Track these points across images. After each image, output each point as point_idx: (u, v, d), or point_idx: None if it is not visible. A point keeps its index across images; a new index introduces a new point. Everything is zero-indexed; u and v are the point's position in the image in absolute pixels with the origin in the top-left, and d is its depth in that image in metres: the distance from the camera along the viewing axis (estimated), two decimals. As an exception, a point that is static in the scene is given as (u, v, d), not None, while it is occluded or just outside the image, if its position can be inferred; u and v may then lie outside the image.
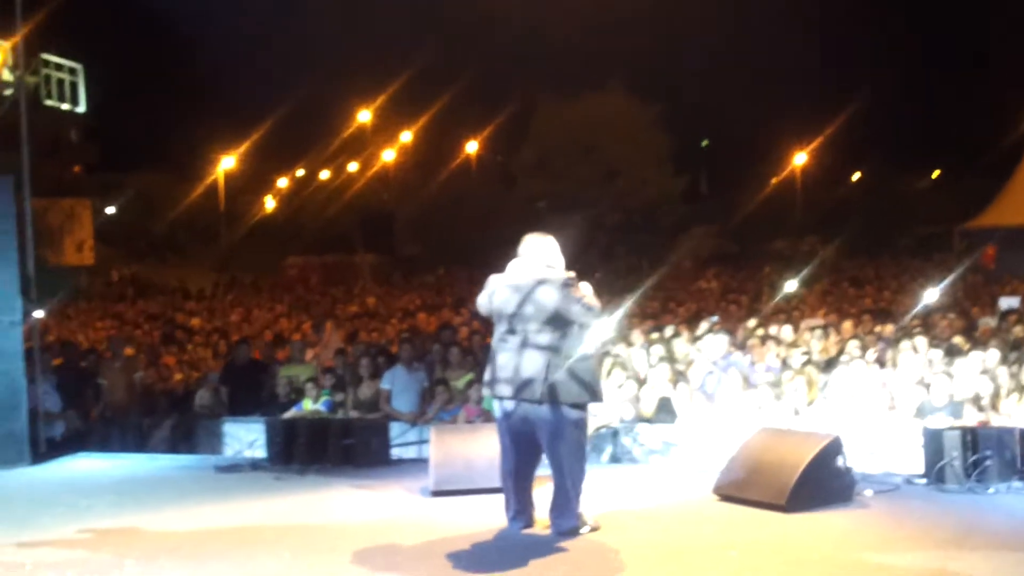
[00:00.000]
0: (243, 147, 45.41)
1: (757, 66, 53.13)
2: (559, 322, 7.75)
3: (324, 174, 47.54)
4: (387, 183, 46.88)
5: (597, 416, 11.00)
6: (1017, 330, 14.20)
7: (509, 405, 7.85)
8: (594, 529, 7.93)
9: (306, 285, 35.20)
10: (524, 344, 7.78)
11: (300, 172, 48.48)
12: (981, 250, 31.22)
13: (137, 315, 24.77)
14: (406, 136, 46.86)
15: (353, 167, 47.04)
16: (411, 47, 43.12)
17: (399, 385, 12.58)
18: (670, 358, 12.71)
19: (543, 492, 8.04)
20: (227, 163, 46.16)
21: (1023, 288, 22.62)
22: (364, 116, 46.14)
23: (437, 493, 9.31)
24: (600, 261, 29.97)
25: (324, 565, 7.31)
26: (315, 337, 17.37)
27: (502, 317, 7.92)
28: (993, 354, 11.76)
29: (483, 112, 44.26)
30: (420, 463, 10.39)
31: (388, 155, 46.63)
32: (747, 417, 10.82)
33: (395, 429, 11.63)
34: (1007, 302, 17.86)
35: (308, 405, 12.39)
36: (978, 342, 13.01)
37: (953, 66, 56.05)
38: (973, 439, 9.46)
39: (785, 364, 12.63)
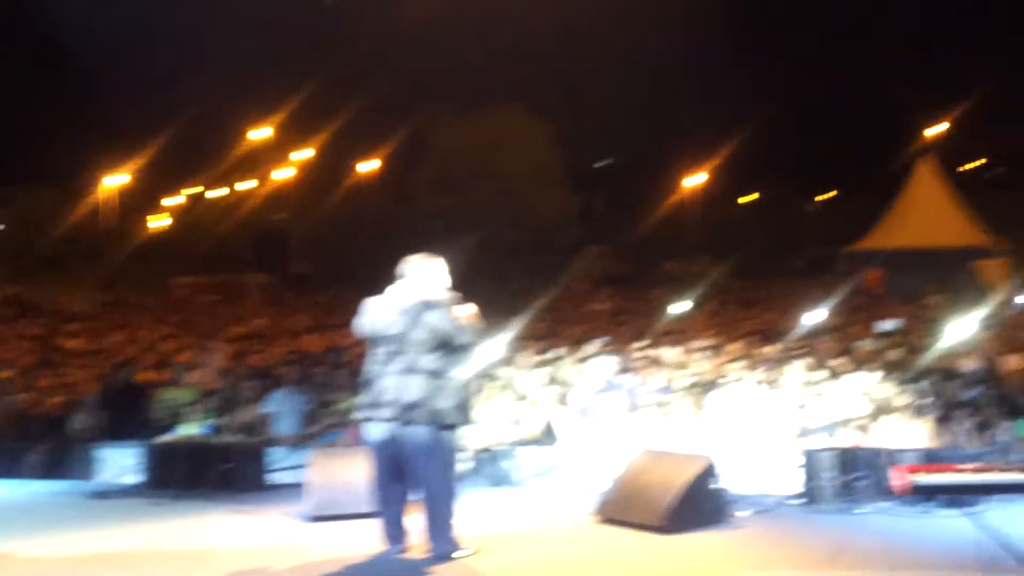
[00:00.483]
0: (135, 163, 44.61)
1: (654, 87, 53.87)
2: (443, 345, 7.75)
3: (218, 192, 46.95)
4: (282, 201, 46.45)
5: (481, 439, 11.00)
6: (893, 353, 14.52)
7: (389, 428, 7.80)
8: (472, 553, 7.90)
9: (193, 305, 34.60)
10: (407, 368, 7.75)
11: (193, 190, 47.82)
12: (864, 273, 31.95)
13: (15, 336, 24.09)
14: (303, 154, 46.50)
15: (248, 185, 46.53)
16: (309, 65, 42.88)
17: (282, 408, 12.42)
18: (557, 380, 12.74)
19: (421, 516, 7.98)
20: (116, 180, 45.25)
21: (904, 311, 23.16)
22: (260, 133, 45.67)
23: (316, 518, 9.22)
24: (493, 281, 29.95)
25: (196, 592, 7.21)
26: (199, 359, 17.09)
27: (385, 340, 7.86)
28: (869, 376, 12.00)
29: (381, 130, 44.14)
30: (300, 488, 10.26)
31: (284, 173, 46.21)
32: (631, 439, 10.88)
33: (276, 453, 11.47)
34: (884, 324, 18.27)
35: (188, 429, 12.16)
36: (857, 364, 13.25)
37: (847, 89, 57.34)
38: (847, 460, 9.67)
39: (671, 385, 12.73)
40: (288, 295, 39.20)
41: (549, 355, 14.70)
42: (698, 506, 8.85)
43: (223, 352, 17.77)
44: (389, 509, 7.98)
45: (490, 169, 33.73)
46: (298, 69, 42.58)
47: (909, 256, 29.74)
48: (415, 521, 7.99)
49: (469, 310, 7.94)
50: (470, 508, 8.53)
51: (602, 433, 11.32)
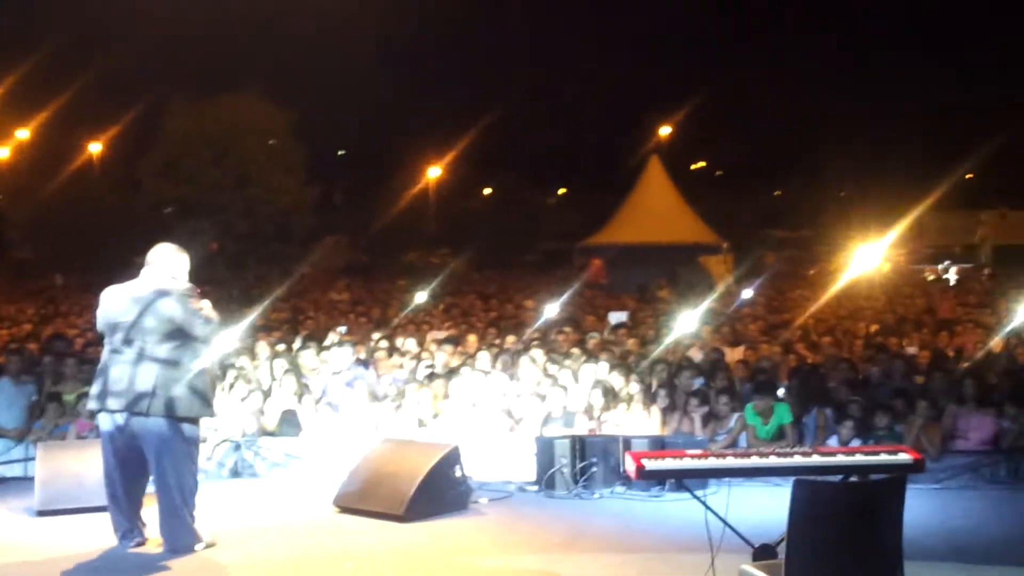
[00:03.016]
0: None
1: (393, 77, 54.01)
2: (179, 335, 7.58)
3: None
4: (-1, 182, 44.03)
5: (219, 430, 10.77)
6: (628, 343, 15.01)
7: (120, 419, 7.57)
8: (209, 545, 7.76)
9: None
10: (140, 357, 7.55)
11: None
12: (589, 266, 33.02)
13: None
14: (21, 133, 44.22)
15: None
16: (29, 38, 40.68)
17: (4, 399, 11.73)
18: (296, 370, 12.60)
19: (157, 509, 7.74)
20: None
21: (632, 303, 23.99)
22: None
23: (43, 512, 8.87)
24: (229, 270, 29.30)
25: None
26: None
27: (117, 328, 7.65)
28: (603, 366, 12.37)
29: (108, 112, 42.40)
30: (26, 481, 9.82)
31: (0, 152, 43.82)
32: (371, 429, 10.89)
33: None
34: (616, 316, 18.86)
35: None
36: (590, 354, 13.63)
37: (584, 86, 59.02)
38: (581, 447, 9.99)
39: (410, 376, 12.79)
40: (4, 281, 37.18)
41: (289, 345, 14.52)
42: (438, 494, 8.97)
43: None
44: (121, 502, 7.73)
45: (225, 156, 32.89)
46: (20, 40, 40.33)
47: (640, 250, 30.76)
48: (151, 514, 7.77)
49: (204, 303, 7.80)
50: (209, 500, 8.35)
51: (342, 423, 11.29)
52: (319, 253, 36.84)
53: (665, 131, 50.30)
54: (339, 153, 61.05)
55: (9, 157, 44.24)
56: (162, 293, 7.62)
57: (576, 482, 9.87)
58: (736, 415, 11.13)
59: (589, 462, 9.94)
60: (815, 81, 53.85)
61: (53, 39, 39.87)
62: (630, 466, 6.22)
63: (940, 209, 42.35)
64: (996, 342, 15.32)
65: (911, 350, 15.11)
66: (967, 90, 52.09)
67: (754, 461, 6.37)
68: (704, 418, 11.26)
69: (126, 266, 7.89)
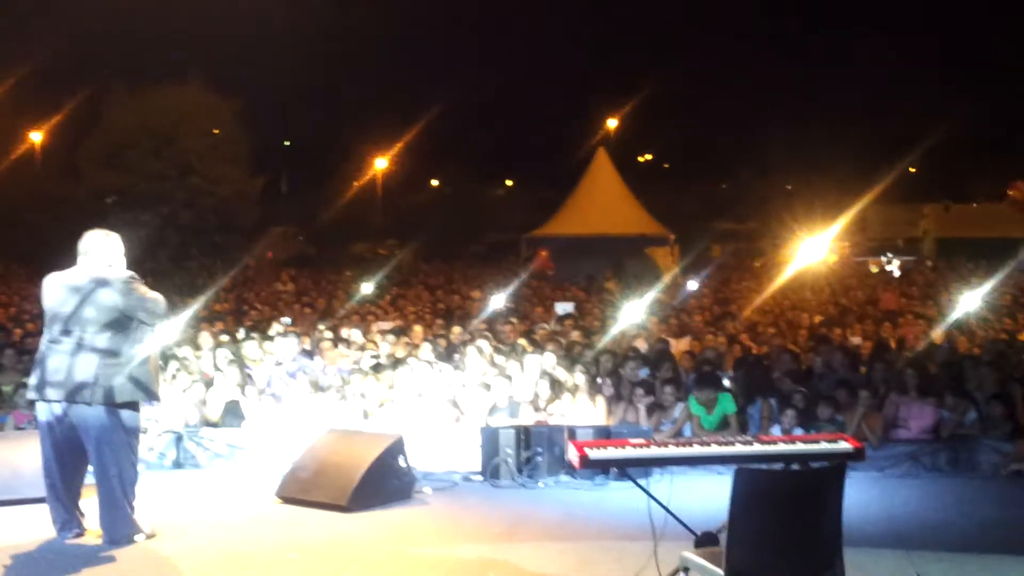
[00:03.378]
0: None
1: (343, 67, 53.75)
2: (119, 324, 7.47)
3: None
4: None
5: (161, 420, 10.66)
6: (574, 334, 15.03)
7: (58, 409, 7.46)
8: (150, 536, 7.66)
9: None
10: (80, 346, 7.43)
11: None
12: (536, 257, 33.07)
13: None
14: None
15: None
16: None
17: (-60, 389, 11.60)
18: (239, 361, 12.49)
19: (95, 500, 7.64)
20: None
21: (580, 294, 24.07)
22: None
23: (-21, 504, 8.72)
24: (171, 261, 28.99)
25: None
26: None
27: (56, 318, 7.53)
28: (549, 356, 12.38)
29: (49, 99, 41.81)
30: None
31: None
32: (315, 420, 10.82)
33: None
34: (563, 307, 18.88)
35: None
36: (537, 345, 13.64)
37: (531, 79, 59.12)
38: (526, 437, 9.99)
39: (355, 366, 12.73)
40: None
41: (232, 335, 14.40)
42: (382, 484, 8.94)
43: None
44: (60, 493, 7.62)
45: (168, 145, 32.53)
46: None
47: (587, 242, 30.80)
48: (90, 505, 7.67)
49: (145, 288, 7.70)
50: (150, 491, 8.27)
51: (286, 414, 11.21)
52: (264, 244, 36.61)
53: (612, 123, 50.44)
54: (286, 143, 60.63)
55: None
56: (101, 282, 7.51)
57: (521, 472, 9.87)
58: (681, 405, 11.17)
59: (534, 452, 9.95)
60: (761, 75, 54.31)
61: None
62: (573, 455, 6.22)
63: (884, 202, 42.93)
64: (937, 333, 15.52)
65: (854, 341, 15.28)
66: (912, 85, 52.79)
67: (695, 450, 6.39)
68: (649, 408, 11.29)
69: (67, 255, 7.74)
